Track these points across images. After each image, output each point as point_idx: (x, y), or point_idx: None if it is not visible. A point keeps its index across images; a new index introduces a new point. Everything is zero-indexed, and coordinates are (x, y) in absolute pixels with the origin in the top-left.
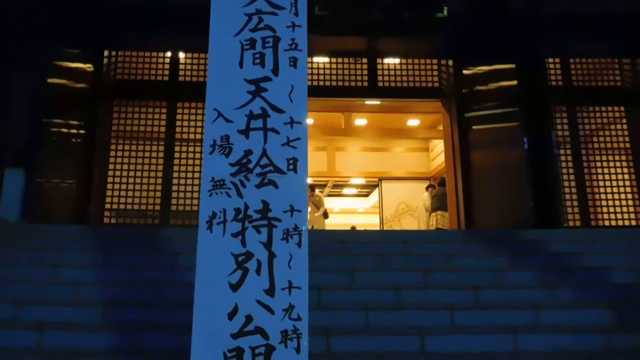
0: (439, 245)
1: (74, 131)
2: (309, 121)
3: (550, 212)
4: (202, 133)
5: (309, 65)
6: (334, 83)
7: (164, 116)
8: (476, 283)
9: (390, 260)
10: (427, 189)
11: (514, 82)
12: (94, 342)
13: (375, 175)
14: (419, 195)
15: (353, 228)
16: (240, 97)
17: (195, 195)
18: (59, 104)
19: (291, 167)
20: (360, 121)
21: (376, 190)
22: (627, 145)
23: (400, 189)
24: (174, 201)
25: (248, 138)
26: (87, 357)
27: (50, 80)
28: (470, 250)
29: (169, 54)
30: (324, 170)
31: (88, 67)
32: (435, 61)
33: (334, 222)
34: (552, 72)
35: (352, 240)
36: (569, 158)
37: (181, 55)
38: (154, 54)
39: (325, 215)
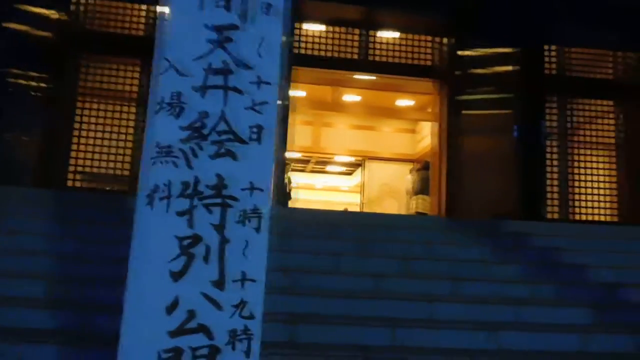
0: (422, 233)
1: (36, 84)
2: (300, 94)
3: (535, 205)
4: None
5: (297, 32)
6: (322, 53)
7: (137, 75)
8: (458, 275)
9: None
10: (411, 171)
11: (511, 68)
12: (40, 321)
13: (360, 154)
14: (403, 178)
15: (346, 210)
16: (198, 46)
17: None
18: (19, 54)
19: (255, 136)
20: (349, 97)
21: (359, 170)
22: (612, 140)
23: (384, 169)
24: None
25: (204, 97)
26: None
27: (8, 25)
28: (456, 238)
29: (145, 6)
30: (308, 146)
31: (52, 13)
32: (430, 38)
33: (317, 199)
34: (547, 60)
35: (331, 222)
36: (555, 150)
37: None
38: (129, 4)
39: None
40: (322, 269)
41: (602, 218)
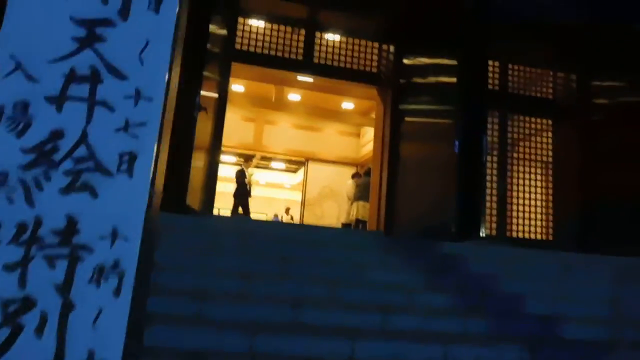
0: (351, 252)
1: None
2: (238, 88)
3: (472, 220)
4: None
5: (241, 27)
6: (266, 51)
7: None
8: (387, 303)
9: (295, 267)
10: (352, 176)
11: (454, 79)
12: None
13: (303, 155)
14: (344, 181)
15: (288, 209)
16: (59, 44)
17: None
18: None
19: (124, 166)
20: (293, 96)
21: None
22: (549, 158)
23: (326, 171)
24: None
25: (61, 112)
26: None
27: None
28: (387, 260)
29: None
30: (249, 143)
31: None
32: (376, 44)
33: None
34: (491, 75)
35: (254, 235)
36: (494, 166)
37: None
38: None
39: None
40: (232, 293)
41: (537, 236)
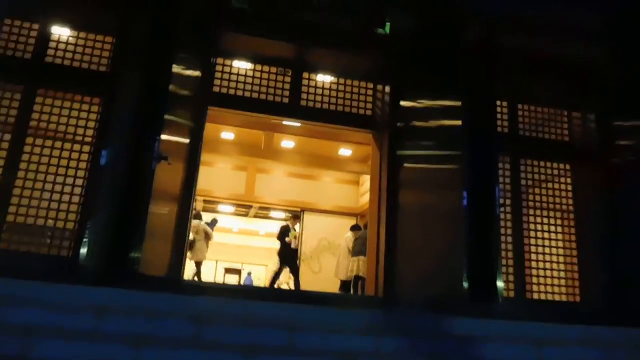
0: (338, 336)
1: None
2: (228, 136)
3: (486, 280)
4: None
5: (220, 68)
6: (247, 94)
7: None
8: None
9: None
10: (351, 229)
11: (458, 122)
12: None
13: (298, 205)
14: (343, 233)
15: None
16: None
17: (44, 204)
18: None
19: None
20: (286, 143)
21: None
22: (570, 207)
23: (323, 222)
24: (12, 209)
25: None
26: None
27: None
28: (381, 347)
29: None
30: (241, 193)
31: None
32: (370, 85)
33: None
34: (499, 116)
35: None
36: (507, 217)
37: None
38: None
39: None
40: None
41: (562, 297)
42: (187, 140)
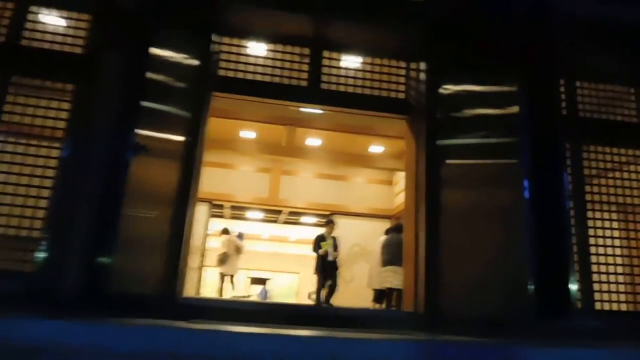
0: None
1: None
2: (249, 135)
3: (556, 291)
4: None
5: (229, 49)
6: (259, 77)
7: None
8: None
9: None
10: (386, 232)
11: (514, 108)
12: None
13: (327, 209)
14: (376, 238)
15: (310, 295)
16: None
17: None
18: None
19: None
20: (311, 141)
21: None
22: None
23: (355, 227)
24: None
25: None
26: None
27: None
28: None
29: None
30: (264, 197)
31: None
32: (403, 64)
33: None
34: (564, 96)
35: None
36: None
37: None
38: None
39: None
40: None
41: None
42: (182, 133)
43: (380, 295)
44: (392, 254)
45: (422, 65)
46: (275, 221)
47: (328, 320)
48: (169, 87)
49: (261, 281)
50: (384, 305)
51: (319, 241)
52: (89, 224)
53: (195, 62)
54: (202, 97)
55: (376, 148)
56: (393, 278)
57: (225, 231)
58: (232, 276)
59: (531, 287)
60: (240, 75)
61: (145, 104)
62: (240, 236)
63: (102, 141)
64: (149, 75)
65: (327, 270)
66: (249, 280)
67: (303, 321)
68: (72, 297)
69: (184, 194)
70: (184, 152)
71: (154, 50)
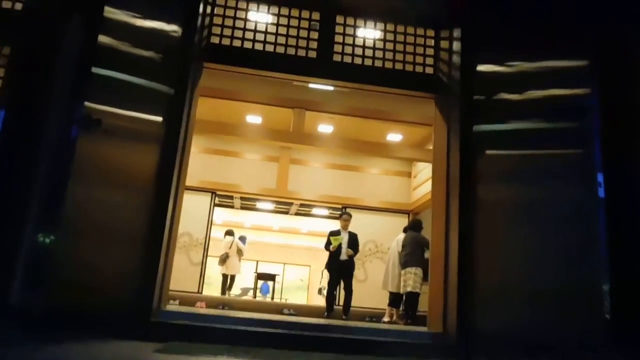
0: None
1: None
2: (256, 120)
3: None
4: None
5: (224, 12)
6: (259, 46)
7: None
8: None
9: None
10: (405, 230)
11: (582, 89)
12: None
13: (339, 202)
14: (393, 234)
15: (320, 291)
16: None
17: None
18: None
19: None
20: (323, 127)
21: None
22: None
23: (369, 222)
24: None
25: None
26: None
27: None
28: None
29: None
30: (271, 188)
31: None
32: (431, 32)
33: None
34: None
35: None
36: None
37: None
38: None
39: None
40: None
41: None
42: (159, 111)
43: (396, 298)
44: (409, 256)
45: (456, 34)
46: (286, 212)
47: (339, 345)
48: (135, 54)
49: (269, 277)
50: (400, 310)
51: (330, 236)
52: (25, 209)
53: (176, 27)
54: (186, 68)
55: (394, 136)
56: (412, 281)
57: (229, 232)
58: (233, 276)
59: (605, 304)
60: (237, 43)
61: (98, 71)
62: (242, 239)
63: (48, 113)
64: (103, 38)
65: (339, 270)
66: (255, 276)
67: (309, 345)
68: None
69: (165, 181)
70: (163, 132)
71: (110, 8)
